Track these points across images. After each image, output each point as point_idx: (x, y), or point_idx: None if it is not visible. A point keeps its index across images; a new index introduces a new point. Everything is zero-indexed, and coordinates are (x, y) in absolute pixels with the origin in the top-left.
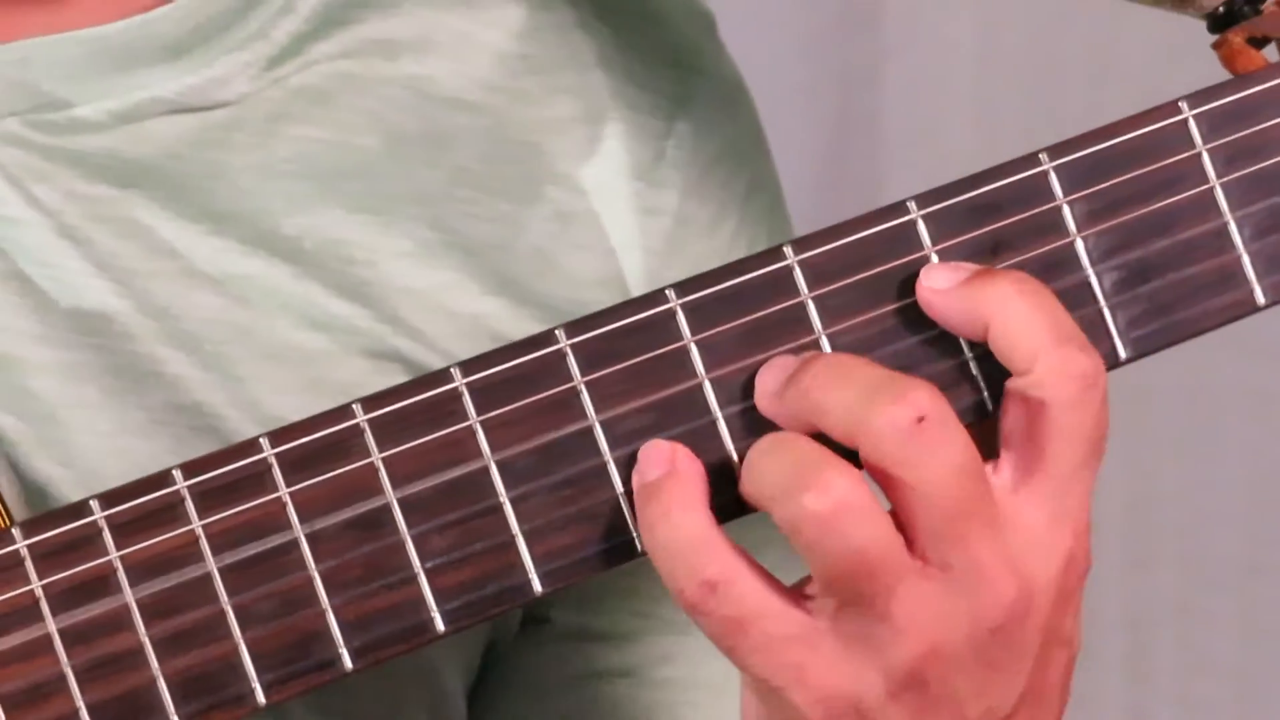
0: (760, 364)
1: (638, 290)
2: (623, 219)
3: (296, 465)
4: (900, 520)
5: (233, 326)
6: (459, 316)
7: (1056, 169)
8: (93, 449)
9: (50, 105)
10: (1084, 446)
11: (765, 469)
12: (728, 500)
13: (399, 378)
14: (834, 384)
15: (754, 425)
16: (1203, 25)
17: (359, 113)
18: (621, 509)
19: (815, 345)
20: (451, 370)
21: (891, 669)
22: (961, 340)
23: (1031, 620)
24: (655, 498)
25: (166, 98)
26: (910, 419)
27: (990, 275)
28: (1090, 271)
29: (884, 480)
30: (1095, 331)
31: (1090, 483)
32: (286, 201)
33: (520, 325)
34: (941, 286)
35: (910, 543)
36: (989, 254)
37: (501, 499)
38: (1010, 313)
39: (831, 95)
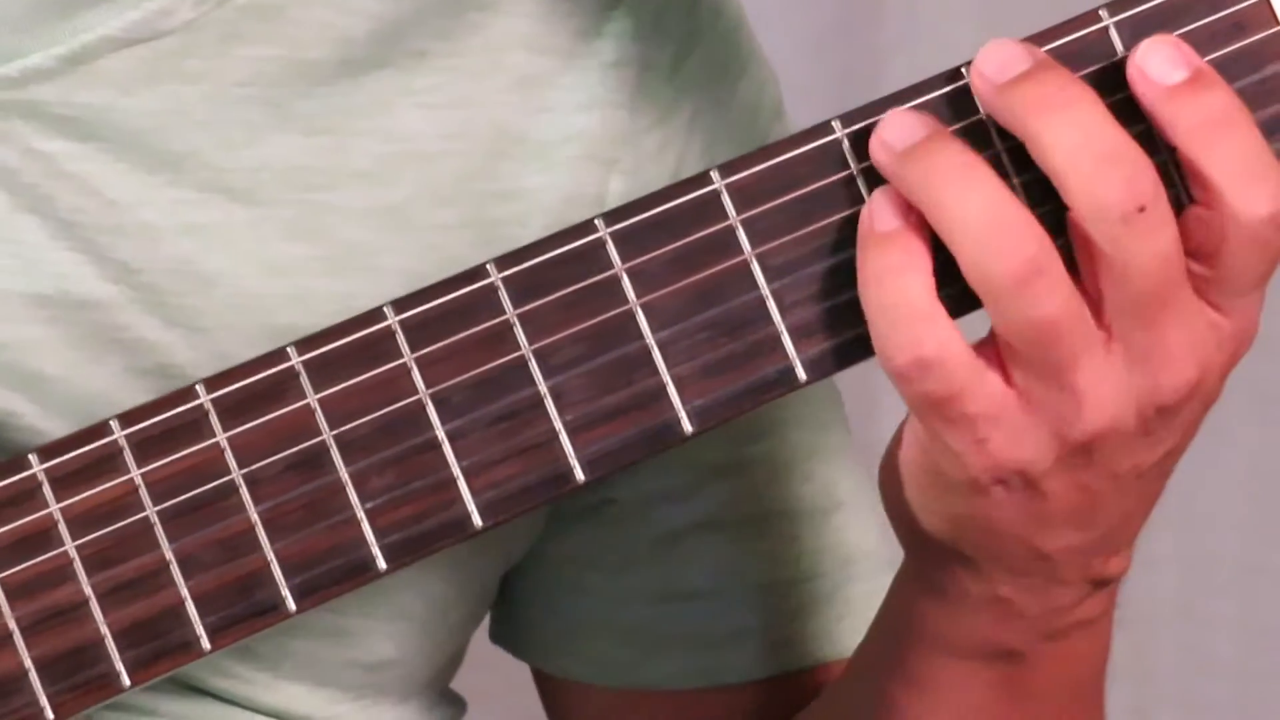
0: (690, 287)
1: (610, 146)
2: (585, 76)
3: (233, 410)
4: (1091, 288)
5: (195, 278)
6: (419, 230)
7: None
8: (53, 423)
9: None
10: (1271, 267)
11: (964, 211)
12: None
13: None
14: (1069, 123)
15: (687, 349)
16: None
17: (308, 24)
18: (559, 439)
19: (745, 267)
20: (384, 309)
21: (1066, 440)
22: None
23: (1197, 399)
24: (887, 250)
25: (114, 35)
26: (1134, 207)
27: (1193, 94)
28: (1015, 180)
29: (1086, 246)
30: None
31: (1267, 282)
32: (243, 131)
33: (488, 231)
34: (1157, 81)
35: (1097, 315)
36: None
37: (438, 434)
38: (1204, 150)
39: (832, 96)
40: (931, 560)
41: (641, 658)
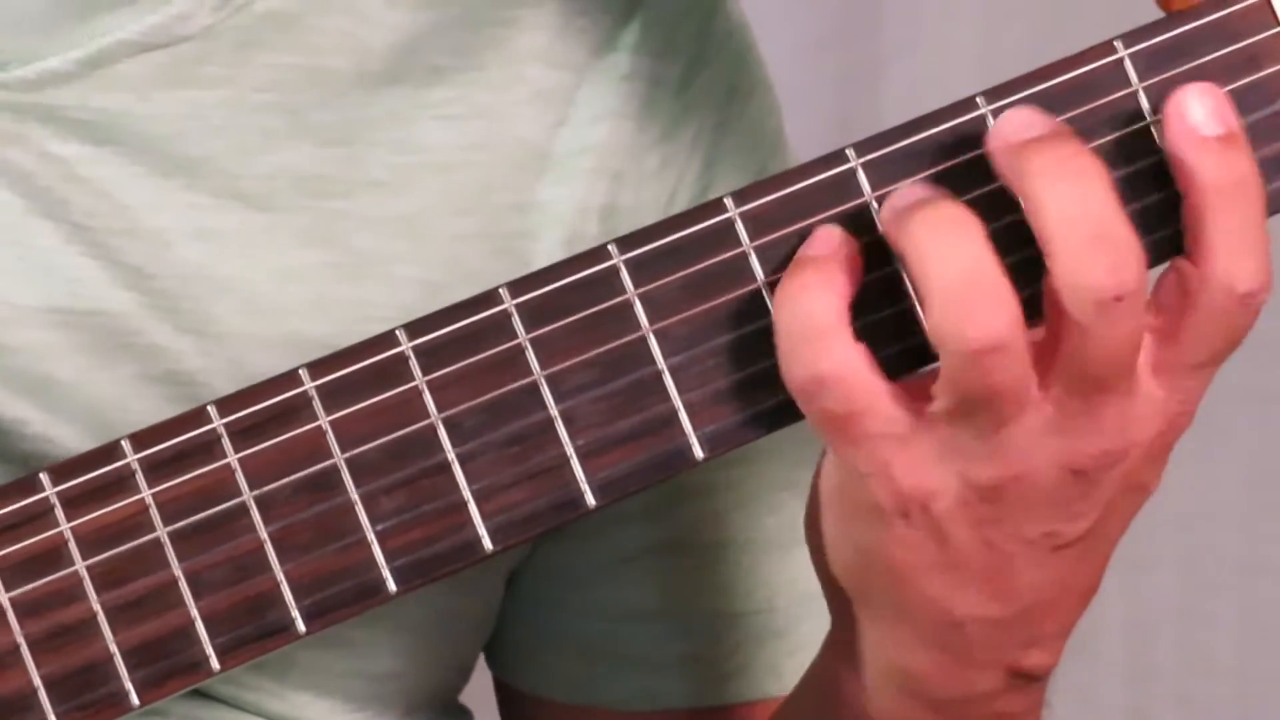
0: (702, 315)
1: (617, 158)
2: (599, 89)
3: (246, 432)
4: (1046, 346)
5: (208, 284)
6: (435, 240)
7: (994, 113)
8: (63, 430)
9: (18, 61)
10: (1224, 348)
11: (942, 264)
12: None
13: (374, 327)
14: (1071, 193)
15: (699, 375)
16: None
17: (328, 33)
18: (570, 464)
19: (758, 294)
20: (397, 333)
21: (973, 480)
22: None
23: (1116, 471)
24: (798, 272)
25: (132, 40)
26: (1112, 295)
27: (1221, 152)
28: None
29: (1055, 312)
30: None
31: (1215, 371)
32: (260, 138)
33: (503, 243)
34: (1193, 128)
35: (1041, 372)
36: None
37: (449, 457)
38: (1212, 209)
39: (833, 98)
40: (846, 618)
41: (593, 675)
